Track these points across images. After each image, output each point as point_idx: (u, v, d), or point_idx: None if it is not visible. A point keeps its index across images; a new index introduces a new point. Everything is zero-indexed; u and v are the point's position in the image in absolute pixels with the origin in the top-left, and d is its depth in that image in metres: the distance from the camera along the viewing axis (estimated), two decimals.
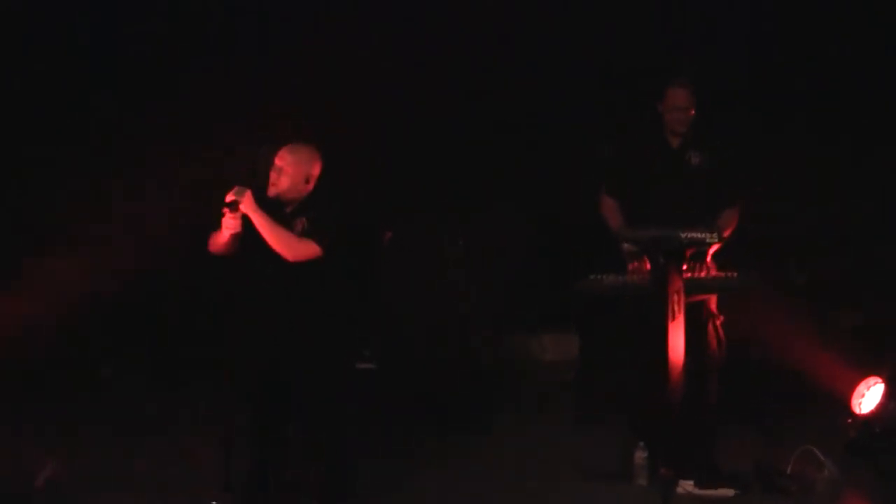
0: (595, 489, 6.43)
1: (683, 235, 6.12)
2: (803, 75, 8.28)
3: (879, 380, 6.86)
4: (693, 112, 6.65)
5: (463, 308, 8.05)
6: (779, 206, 8.08)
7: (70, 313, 8.07)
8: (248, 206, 5.79)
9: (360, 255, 7.97)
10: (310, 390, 5.95)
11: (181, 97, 8.16)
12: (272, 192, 5.91)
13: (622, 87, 8.14)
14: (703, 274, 6.38)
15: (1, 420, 7.51)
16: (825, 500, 6.31)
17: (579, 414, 7.74)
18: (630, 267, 6.50)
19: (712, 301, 6.59)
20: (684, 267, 6.18)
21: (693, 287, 6.26)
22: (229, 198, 5.77)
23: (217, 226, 5.88)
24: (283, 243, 5.82)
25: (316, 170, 5.98)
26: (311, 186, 5.96)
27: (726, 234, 6.40)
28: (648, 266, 6.35)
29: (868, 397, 6.86)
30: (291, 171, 5.92)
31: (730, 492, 6.25)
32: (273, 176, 5.92)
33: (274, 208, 5.88)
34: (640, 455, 6.38)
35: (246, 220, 5.82)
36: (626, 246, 6.55)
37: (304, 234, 5.86)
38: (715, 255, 6.48)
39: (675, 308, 6.08)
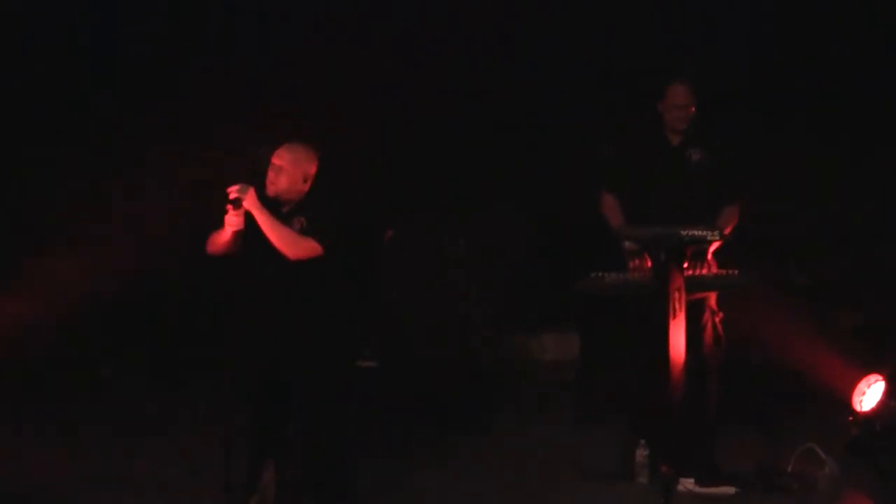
0: (595, 489, 6.42)
1: (684, 233, 6.13)
2: (803, 75, 8.28)
3: (880, 378, 6.87)
4: (693, 109, 6.67)
5: (463, 308, 8.05)
6: (779, 206, 8.09)
7: (70, 313, 8.07)
8: (251, 202, 5.79)
9: (360, 255, 7.98)
10: (310, 390, 5.95)
11: (181, 97, 8.16)
12: (271, 191, 5.90)
13: (622, 87, 8.14)
14: (703, 271, 6.39)
15: (1, 420, 7.51)
16: (826, 498, 6.31)
17: (579, 414, 7.74)
18: (631, 265, 6.51)
19: (712, 299, 6.60)
20: (685, 265, 6.19)
21: (694, 285, 6.27)
22: (232, 195, 5.77)
23: (217, 226, 5.88)
24: (285, 241, 5.82)
25: (313, 169, 5.97)
26: (308, 186, 5.96)
27: (727, 231, 6.41)
28: (649, 264, 6.36)
29: (869, 395, 6.86)
30: (291, 169, 5.91)
31: (731, 490, 6.25)
32: (271, 175, 5.91)
33: (272, 208, 5.88)
34: (642, 453, 6.38)
35: (247, 218, 5.82)
36: (627, 244, 6.56)
37: (304, 232, 5.86)
38: (715, 254, 6.49)
39: (676, 306, 6.08)
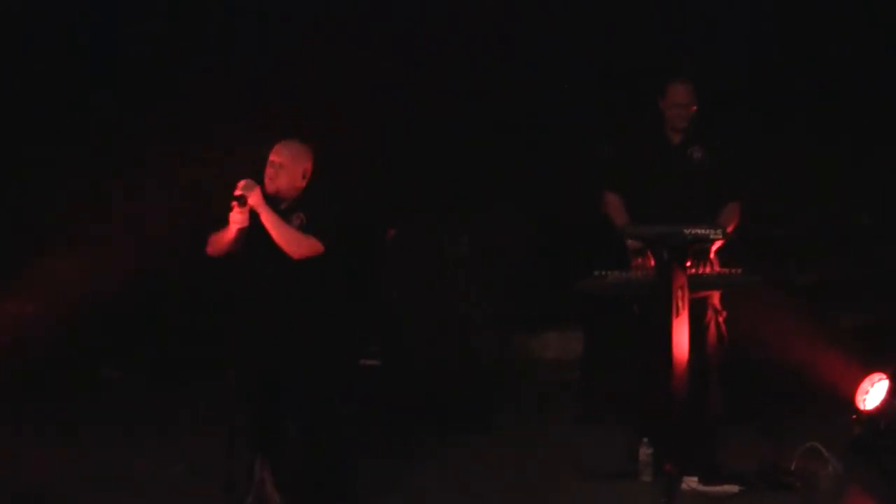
0: (597, 488, 6.42)
1: (687, 232, 6.14)
2: (803, 75, 8.28)
3: (884, 376, 6.86)
4: (694, 108, 6.67)
5: (463, 308, 8.04)
6: (779, 206, 8.09)
7: (70, 313, 8.07)
8: (256, 200, 5.78)
9: (360, 255, 7.97)
10: (310, 390, 5.94)
11: (181, 97, 8.16)
12: (270, 188, 5.89)
13: (622, 87, 8.14)
14: (706, 270, 6.39)
15: (1, 420, 7.51)
16: (829, 496, 6.30)
17: (580, 413, 7.74)
18: (634, 263, 6.51)
19: (715, 297, 6.60)
20: (688, 263, 6.19)
21: (697, 283, 6.27)
22: (238, 192, 5.77)
23: (218, 226, 5.88)
24: (289, 240, 5.81)
25: (310, 165, 5.98)
26: (304, 182, 5.96)
27: (729, 229, 6.41)
28: (653, 263, 6.36)
29: (872, 394, 6.86)
30: (290, 166, 5.91)
31: (734, 488, 6.25)
32: (270, 172, 5.91)
33: (271, 205, 5.87)
34: (645, 451, 6.38)
35: (250, 217, 5.81)
36: (630, 242, 6.56)
37: (304, 230, 5.86)
38: (717, 253, 6.49)
39: (679, 304, 6.09)
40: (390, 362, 7.75)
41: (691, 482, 6.23)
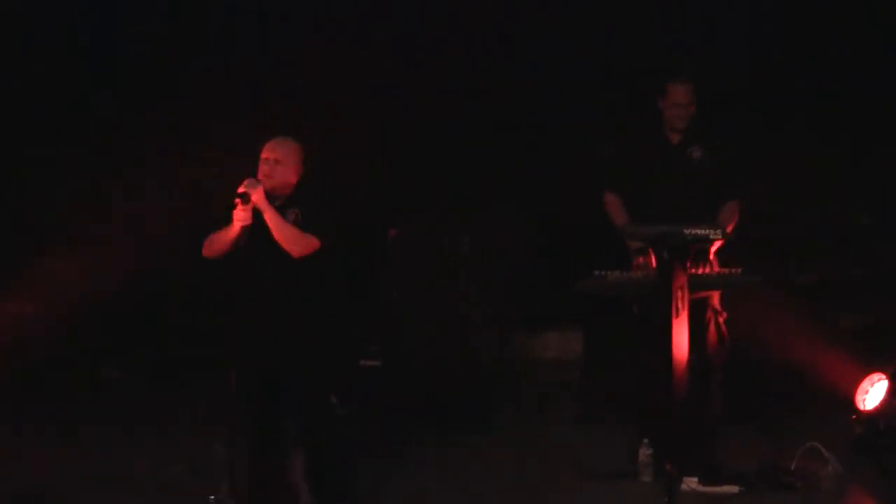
0: (597, 488, 6.41)
1: (687, 232, 6.14)
2: (803, 75, 8.28)
3: (883, 376, 6.86)
4: (693, 109, 6.67)
5: (463, 308, 8.04)
6: (779, 206, 8.09)
7: (70, 313, 8.07)
8: (259, 198, 5.79)
9: (360, 255, 7.98)
10: (310, 390, 5.94)
11: (181, 97, 8.16)
12: (267, 185, 5.88)
13: (622, 87, 8.14)
14: (706, 270, 6.39)
15: (1, 420, 7.51)
16: (829, 496, 6.30)
17: (580, 413, 7.74)
18: (635, 263, 6.50)
19: (715, 297, 6.60)
20: (688, 263, 6.20)
21: (696, 284, 6.27)
22: (241, 189, 5.77)
23: (217, 226, 5.88)
24: (289, 238, 5.81)
25: (301, 161, 5.99)
26: (297, 178, 5.97)
27: (728, 229, 6.41)
28: (654, 262, 6.36)
29: (872, 394, 6.86)
30: (286, 161, 5.92)
31: (734, 488, 6.24)
32: (266, 169, 5.90)
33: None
34: (645, 452, 6.37)
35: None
36: (631, 242, 6.56)
37: (300, 226, 5.86)
38: (717, 253, 6.49)
39: (679, 305, 6.09)
40: (390, 362, 7.75)
41: (691, 482, 6.22)
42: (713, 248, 6.43)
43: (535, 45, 8.41)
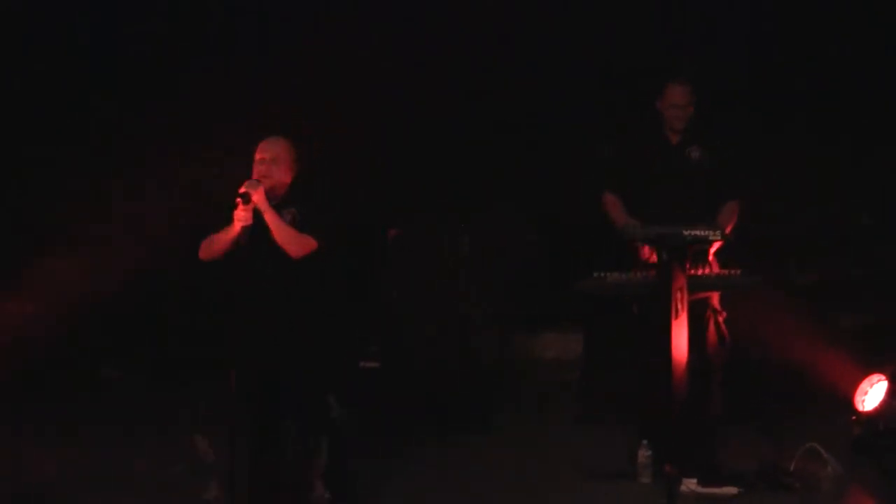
0: (597, 489, 6.41)
1: (687, 233, 6.14)
2: (803, 75, 8.28)
3: (883, 377, 6.86)
4: (692, 109, 6.67)
5: (463, 308, 8.04)
6: (779, 206, 8.09)
7: (70, 313, 8.07)
8: (260, 198, 5.79)
9: (360, 255, 7.98)
10: (310, 390, 5.94)
11: (181, 97, 8.16)
12: (266, 185, 5.90)
13: (622, 87, 8.14)
14: (706, 271, 6.39)
15: (1, 420, 7.51)
16: (829, 497, 6.30)
17: (580, 413, 7.74)
18: (640, 254, 6.49)
19: (715, 298, 6.60)
20: (687, 264, 6.19)
21: (696, 284, 6.27)
22: (242, 190, 5.77)
23: (216, 228, 5.88)
24: (288, 238, 5.82)
25: (295, 160, 6.00)
26: (291, 177, 5.97)
27: (727, 230, 6.41)
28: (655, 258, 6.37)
29: (871, 395, 6.85)
30: (280, 161, 5.93)
31: (733, 490, 6.23)
32: (263, 169, 5.90)
33: None
34: (644, 453, 6.37)
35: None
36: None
37: (297, 227, 5.86)
38: (717, 254, 6.49)
39: (679, 306, 6.09)
40: (390, 362, 7.74)
41: (690, 484, 6.22)
42: (712, 249, 6.44)
43: (535, 45, 8.41)
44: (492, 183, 8.46)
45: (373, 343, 7.81)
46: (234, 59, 8.45)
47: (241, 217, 5.78)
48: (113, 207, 8.37)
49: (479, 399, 7.77)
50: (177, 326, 8.62)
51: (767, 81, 8.29)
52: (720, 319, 6.61)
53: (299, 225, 5.86)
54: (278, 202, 5.91)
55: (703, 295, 6.46)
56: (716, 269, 6.45)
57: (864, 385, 6.90)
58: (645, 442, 6.38)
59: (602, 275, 6.38)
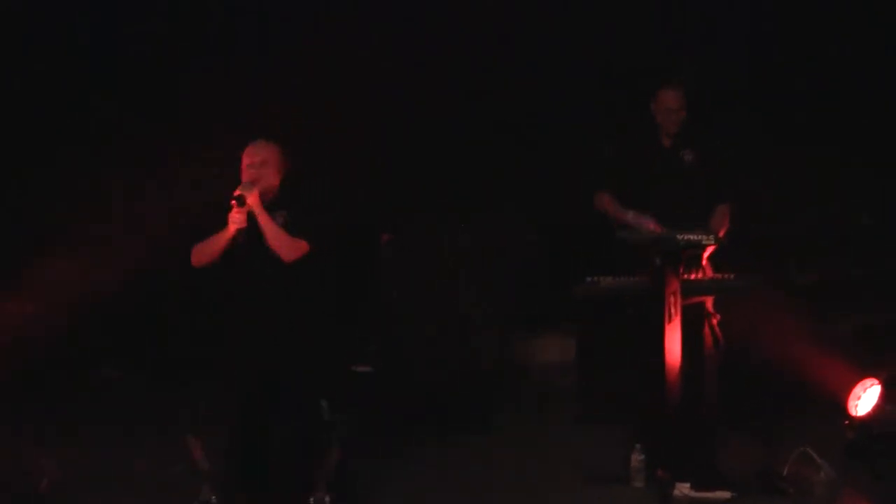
0: (594, 491, 6.41)
1: (680, 237, 6.14)
2: (803, 75, 8.28)
3: (876, 381, 6.85)
4: (684, 113, 6.65)
5: (463, 308, 8.04)
6: (779, 206, 8.09)
7: (70, 313, 8.07)
8: (255, 201, 5.79)
9: (360, 255, 7.98)
10: (309, 390, 5.94)
11: (181, 97, 8.16)
12: (259, 188, 5.89)
13: (622, 87, 8.14)
14: (699, 276, 6.39)
15: (1, 420, 7.51)
16: (822, 501, 6.30)
17: (580, 413, 7.73)
18: (647, 225, 6.46)
19: (709, 301, 6.59)
20: (680, 269, 6.19)
21: (689, 289, 6.27)
22: (237, 192, 5.77)
23: (208, 232, 5.88)
24: (282, 243, 5.82)
25: (282, 162, 6.00)
26: (279, 180, 5.98)
27: (720, 234, 6.41)
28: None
29: (864, 399, 6.84)
30: (270, 163, 5.93)
31: (726, 494, 6.21)
32: (253, 172, 5.90)
33: None
34: (637, 457, 6.37)
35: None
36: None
37: (287, 229, 5.86)
38: (714, 255, 6.48)
39: (672, 310, 6.09)
40: (390, 362, 7.75)
41: (683, 488, 6.21)
42: (706, 254, 6.43)
43: (535, 45, 8.41)
44: (492, 183, 8.46)
45: (372, 343, 7.82)
46: (234, 59, 8.45)
47: (236, 220, 5.78)
48: (113, 207, 8.38)
49: (479, 399, 7.77)
50: (176, 326, 8.62)
51: (767, 81, 8.29)
52: (714, 322, 6.60)
53: (289, 228, 5.86)
54: (268, 205, 5.91)
55: (697, 299, 6.45)
56: (709, 274, 6.45)
57: (858, 390, 6.88)
58: (638, 446, 6.37)
59: (594, 280, 6.38)
